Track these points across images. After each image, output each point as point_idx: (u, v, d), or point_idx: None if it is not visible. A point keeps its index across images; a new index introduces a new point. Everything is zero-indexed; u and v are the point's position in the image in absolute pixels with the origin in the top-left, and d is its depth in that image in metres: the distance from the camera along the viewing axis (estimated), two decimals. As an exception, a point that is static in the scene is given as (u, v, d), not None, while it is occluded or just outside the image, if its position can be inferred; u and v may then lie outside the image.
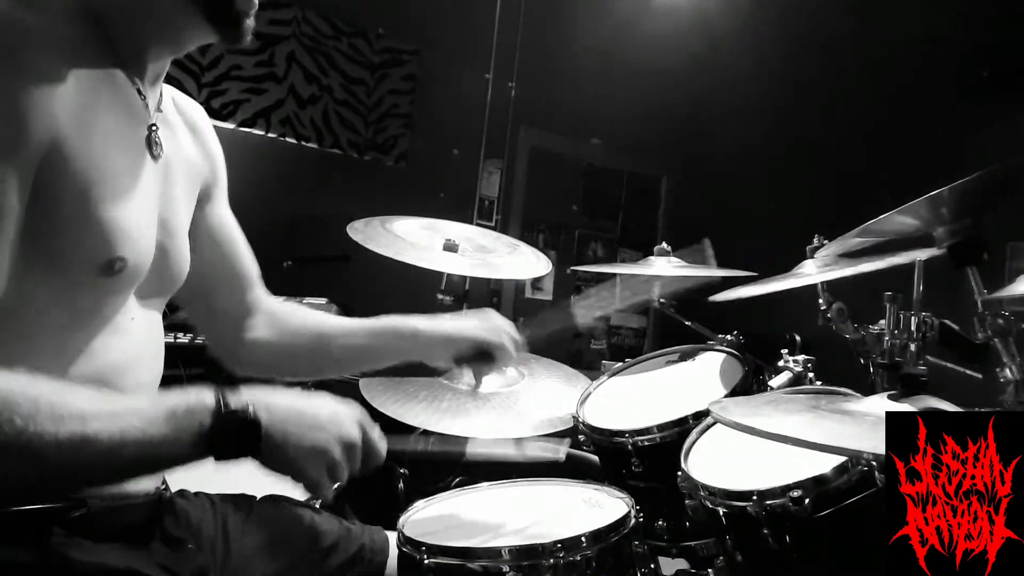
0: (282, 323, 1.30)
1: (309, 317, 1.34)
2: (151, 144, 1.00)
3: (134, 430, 0.79)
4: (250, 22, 0.98)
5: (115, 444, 0.78)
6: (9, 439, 0.74)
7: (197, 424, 0.82)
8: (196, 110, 1.18)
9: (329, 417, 0.93)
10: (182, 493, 1.17)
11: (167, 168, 1.04)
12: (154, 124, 1.01)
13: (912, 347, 1.21)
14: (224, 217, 1.24)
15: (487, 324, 1.34)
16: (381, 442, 0.99)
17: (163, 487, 1.10)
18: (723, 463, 1.29)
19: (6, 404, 0.75)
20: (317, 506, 1.35)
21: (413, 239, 1.97)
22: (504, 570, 1.09)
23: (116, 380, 0.96)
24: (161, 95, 1.05)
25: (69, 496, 0.88)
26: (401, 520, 1.26)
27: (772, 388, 1.55)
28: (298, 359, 1.32)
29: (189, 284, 1.12)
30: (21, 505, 0.86)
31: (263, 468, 0.88)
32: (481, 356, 1.33)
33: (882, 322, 1.30)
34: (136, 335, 1.00)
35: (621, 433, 1.50)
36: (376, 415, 1.68)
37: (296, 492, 0.91)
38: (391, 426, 1.70)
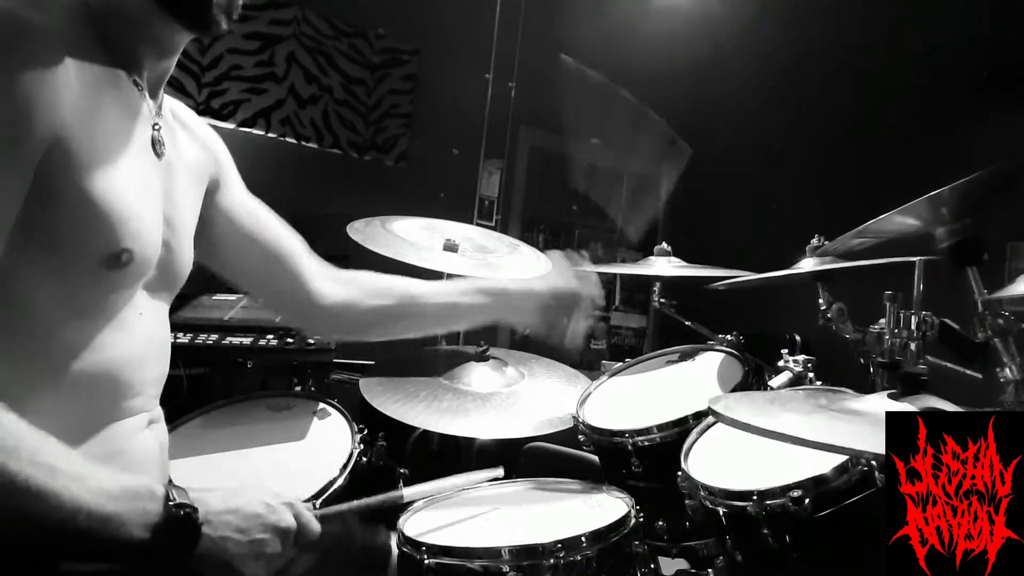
0: (366, 286, 1.35)
1: (394, 280, 1.39)
2: (155, 144, 1.01)
3: (93, 496, 0.79)
4: (218, 10, 0.96)
5: (72, 507, 0.78)
6: None
7: (143, 511, 0.82)
8: (189, 113, 1.19)
9: (265, 509, 0.93)
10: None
11: (170, 168, 1.05)
12: (157, 124, 1.02)
13: (912, 346, 1.21)
14: (243, 201, 1.26)
15: (563, 275, 1.38)
16: (312, 522, 0.99)
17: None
18: (723, 463, 1.29)
19: None
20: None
21: (413, 239, 1.97)
22: (504, 570, 1.09)
23: (123, 375, 0.97)
24: (163, 99, 1.06)
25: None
26: (401, 520, 1.27)
27: (772, 388, 1.55)
28: (387, 319, 1.37)
29: (241, 273, 1.18)
30: None
31: (202, 571, 0.87)
32: (562, 307, 1.38)
33: (882, 322, 1.30)
34: (143, 331, 1.01)
35: (621, 433, 1.50)
36: (376, 415, 1.70)
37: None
38: (391, 424, 1.71)
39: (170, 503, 0.84)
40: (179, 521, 0.84)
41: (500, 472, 1.36)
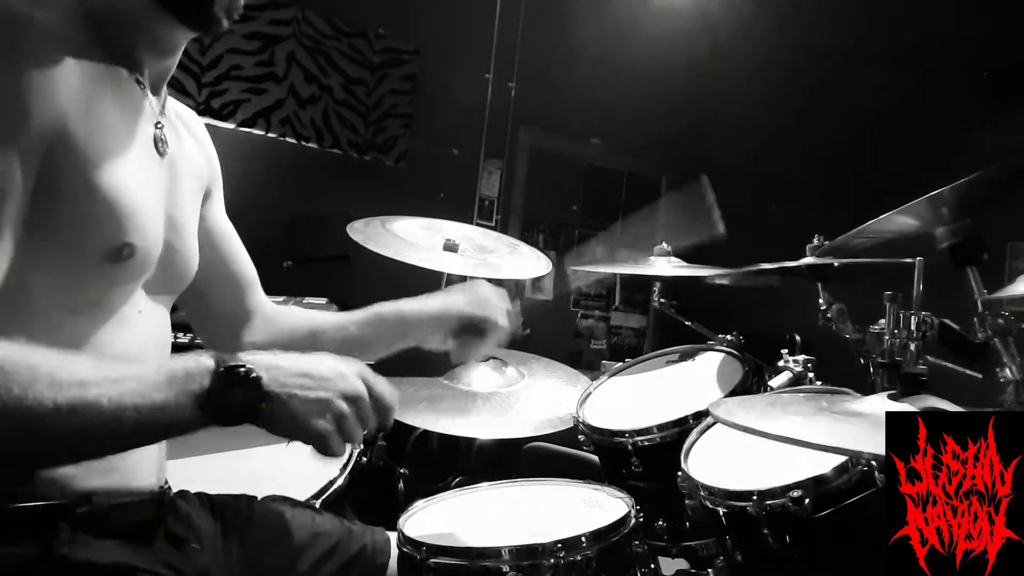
0: (277, 325, 1.30)
1: (301, 316, 1.34)
2: (157, 141, 1.01)
3: (135, 395, 0.79)
4: (219, 9, 0.95)
5: (116, 410, 0.78)
6: (8, 408, 0.74)
7: (197, 386, 0.82)
8: (192, 115, 1.19)
9: (331, 373, 0.90)
10: (183, 494, 1.17)
11: (173, 166, 1.05)
12: (160, 122, 1.02)
13: (912, 347, 1.21)
14: (221, 220, 1.25)
15: (475, 297, 1.30)
16: (391, 394, 0.95)
17: (166, 486, 1.10)
18: (723, 463, 1.29)
19: (3, 372, 0.74)
20: (326, 493, 1.36)
21: (413, 239, 1.97)
22: (504, 570, 1.09)
23: None
24: (166, 99, 1.06)
25: (74, 464, 0.88)
26: (401, 520, 1.26)
27: (772, 388, 1.55)
28: None
29: (193, 288, 1.13)
30: (25, 479, 0.87)
31: (270, 431, 0.86)
32: (472, 331, 1.29)
33: (882, 322, 1.30)
34: (143, 329, 1.01)
35: (621, 433, 1.50)
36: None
37: (309, 453, 0.90)
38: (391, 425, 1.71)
39: (221, 369, 0.83)
40: (235, 384, 0.83)
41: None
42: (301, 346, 1.29)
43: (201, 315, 1.27)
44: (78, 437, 0.78)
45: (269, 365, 0.86)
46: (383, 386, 0.94)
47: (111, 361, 0.83)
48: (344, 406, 0.89)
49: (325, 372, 0.90)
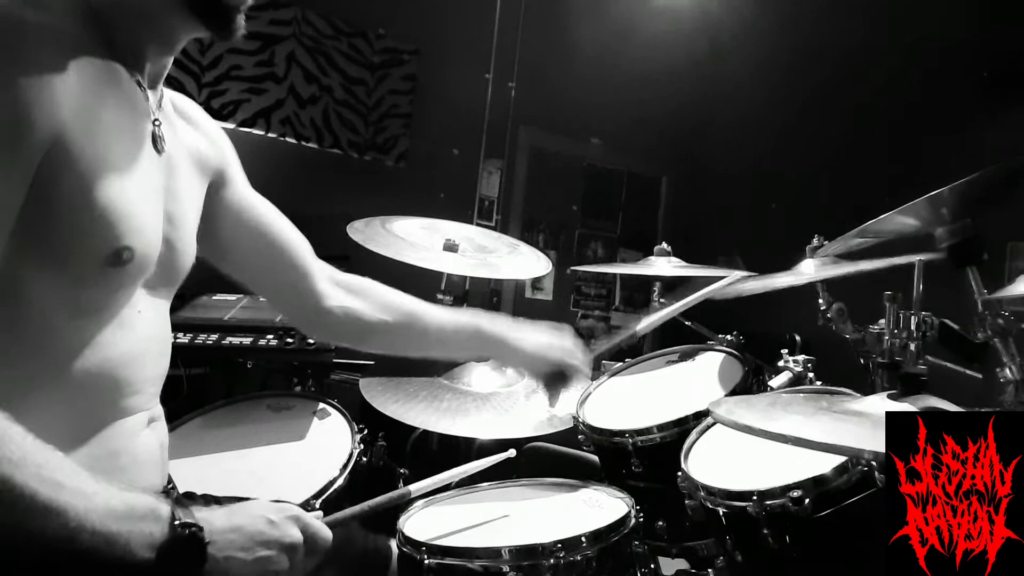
0: (371, 296, 1.34)
1: (400, 295, 1.38)
2: (155, 139, 1.01)
3: (96, 516, 0.78)
4: (241, 18, 0.97)
5: (77, 525, 0.76)
6: None
7: (148, 533, 0.81)
8: (190, 104, 1.19)
9: (268, 526, 0.90)
10: (189, 495, 1.17)
11: (171, 163, 1.04)
12: (157, 119, 1.01)
13: (912, 347, 1.21)
14: (247, 195, 1.24)
15: (564, 346, 1.41)
16: (322, 530, 0.97)
17: (170, 486, 1.10)
18: (723, 463, 1.29)
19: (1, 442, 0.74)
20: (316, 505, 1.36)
21: (413, 239, 1.97)
22: (504, 570, 1.09)
23: (122, 373, 0.97)
24: (162, 94, 1.05)
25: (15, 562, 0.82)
26: (401, 520, 1.27)
27: (772, 388, 1.55)
28: (386, 334, 1.35)
29: (244, 269, 1.17)
30: None
31: None
32: (557, 376, 1.40)
33: (882, 322, 1.30)
34: (143, 329, 1.00)
35: (621, 433, 1.50)
36: (376, 415, 1.70)
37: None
38: (391, 425, 1.71)
39: (175, 523, 0.82)
40: (184, 541, 0.82)
41: (512, 453, 1.37)
42: (395, 324, 1.34)
43: (269, 291, 1.31)
44: (35, 535, 0.76)
45: (212, 528, 0.85)
46: (317, 526, 0.96)
47: (83, 471, 0.81)
48: (284, 560, 0.90)
49: (260, 526, 0.90)
